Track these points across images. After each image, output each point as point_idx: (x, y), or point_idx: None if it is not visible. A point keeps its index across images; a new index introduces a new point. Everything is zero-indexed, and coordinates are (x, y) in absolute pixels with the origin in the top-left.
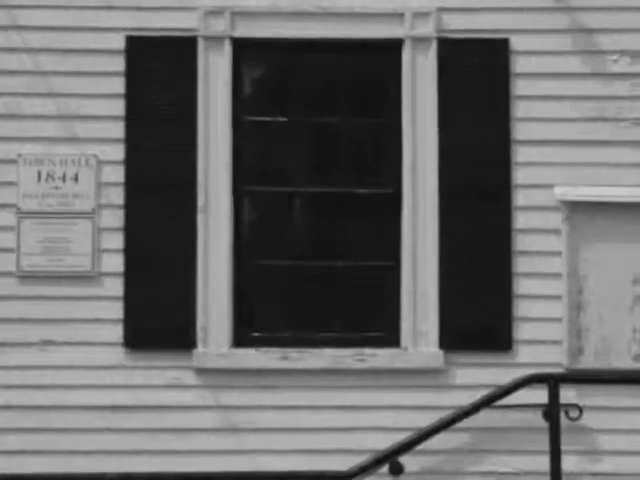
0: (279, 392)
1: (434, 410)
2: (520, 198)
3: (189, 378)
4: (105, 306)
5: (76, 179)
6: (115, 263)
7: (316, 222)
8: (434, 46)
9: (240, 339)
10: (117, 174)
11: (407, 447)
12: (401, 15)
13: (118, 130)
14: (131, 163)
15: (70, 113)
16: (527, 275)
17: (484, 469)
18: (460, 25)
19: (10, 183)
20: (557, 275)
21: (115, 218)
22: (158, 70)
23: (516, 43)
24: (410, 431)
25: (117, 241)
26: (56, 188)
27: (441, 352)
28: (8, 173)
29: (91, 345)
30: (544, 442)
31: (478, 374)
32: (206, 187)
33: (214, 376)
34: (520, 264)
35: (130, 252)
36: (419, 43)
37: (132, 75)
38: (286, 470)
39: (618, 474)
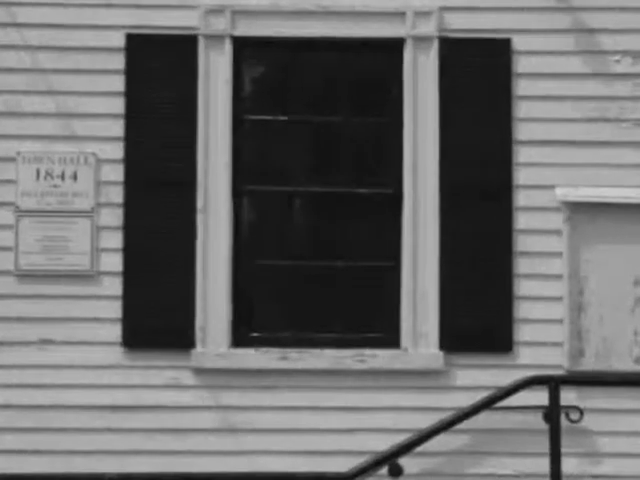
0: (278, 393)
1: (434, 411)
2: (521, 199)
3: (188, 378)
4: (104, 305)
5: (75, 177)
6: (114, 262)
7: (316, 222)
8: (436, 45)
9: (239, 339)
10: (116, 173)
11: (407, 448)
12: (403, 14)
13: (117, 128)
14: (130, 162)
15: (69, 111)
16: (528, 276)
17: (484, 471)
18: (462, 25)
19: (9, 181)
20: (558, 276)
21: (114, 217)
22: (158, 68)
23: (518, 43)
24: (410, 432)
25: (116, 240)
26: (55, 186)
27: (441, 353)
28: (7, 171)
29: (89, 345)
30: (544, 444)
31: (478, 375)
32: (206, 186)
33: (213, 376)
34: (521, 265)
35: (129, 251)
36: (421, 42)
37: (132, 73)
38: (285, 471)
39: (618, 477)
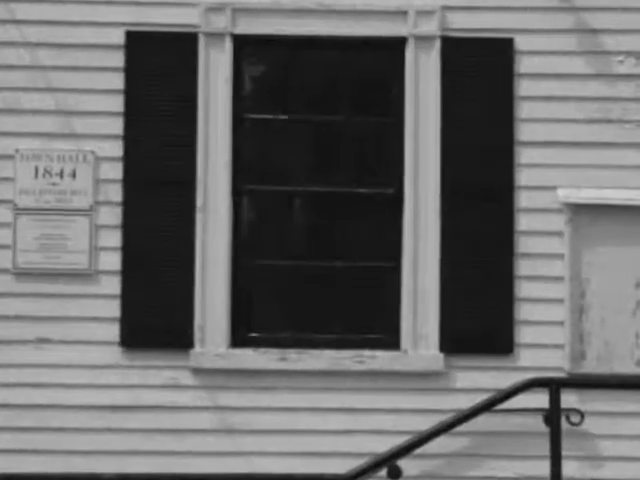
0: (277, 393)
1: (434, 413)
2: (523, 200)
3: (186, 378)
4: (102, 305)
5: (74, 175)
6: (112, 261)
7: (316, 222)
8: (438, 45)
9: (238, 339)
10: (115, 171)
11: (406, 450)
12: (404, 13)
13: (117, 126)
14: (130, 160)
15: (68, 108)
16: (529, 278)
17: (484, 474)
18: (464, 24)
19: (7, 179)
20: (559, 278)
21: (113, 216)
22: (158, 66)
23: (520, 43)
24: (409, 434)
25: (115, 239)
26: (53, 184)
27: (441, 355)
28: (5, 169)
29: (87, 344)
30: (545, 447)
31: (478, 378)
32: (205, 185)
33: (211, 376)
34: (522, 267)
35: (128, 250)
36: (422, 42)
37: (131, 71)
38: (283, 472)
39: None
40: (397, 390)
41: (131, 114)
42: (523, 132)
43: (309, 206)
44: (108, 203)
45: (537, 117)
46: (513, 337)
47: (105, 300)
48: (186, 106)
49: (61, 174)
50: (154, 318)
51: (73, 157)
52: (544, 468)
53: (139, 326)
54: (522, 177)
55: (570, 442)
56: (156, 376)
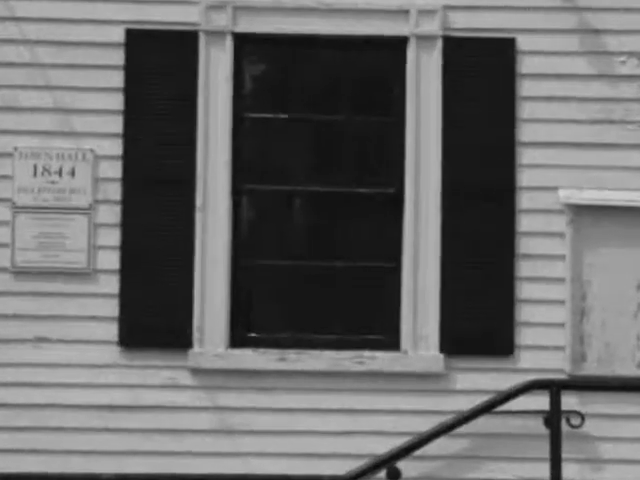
0: (276, 394)
1: (433, 415)
2: (524, 200)
3: (185, 378)
4: (100, 304)
5: (73, 174)
6: (111, 260)
7: (316, 222)
8: (439, 44)
9: (237, 339)
10: (114, 170)
11: (405, 452)
12: (406, 12)
13: (116, 125)
14: (129, 159)
15: (67, 106)
16: (530, 279)
17: (483, 476)
18: (466, 23)
19: (5, 177)
20: (560, 280)
21: (112, 214)
22: (158, 64)
23: (522, 43)
24: (409, 436)
25: (113, 238)
26: (52, 183)
27: (441, 356)
28: (3, 166)
29: (85, 343)
30: (545, 449)
31: (479, 379)
32: (205, 185)
33: (210, 377)
34: (523, 268)
35: (126, 249)
36: (424, 41)
37: (131, 69)
38: (282, 473)
39: None
40: (397, 391)
41: (131, 112)
42: (525, 132)
43: (309, 206)
44: (107, 202)
45: (539, 117)
46: (513, 338)
47: (104, 299)
48: (186, 105)
49: (60, 172)
50: (153, 318)
51: (72, 155)
52: (544, 471)
53: (138, 326)
54: (523, 178)
55: (570, 444)
56: (155, 376)
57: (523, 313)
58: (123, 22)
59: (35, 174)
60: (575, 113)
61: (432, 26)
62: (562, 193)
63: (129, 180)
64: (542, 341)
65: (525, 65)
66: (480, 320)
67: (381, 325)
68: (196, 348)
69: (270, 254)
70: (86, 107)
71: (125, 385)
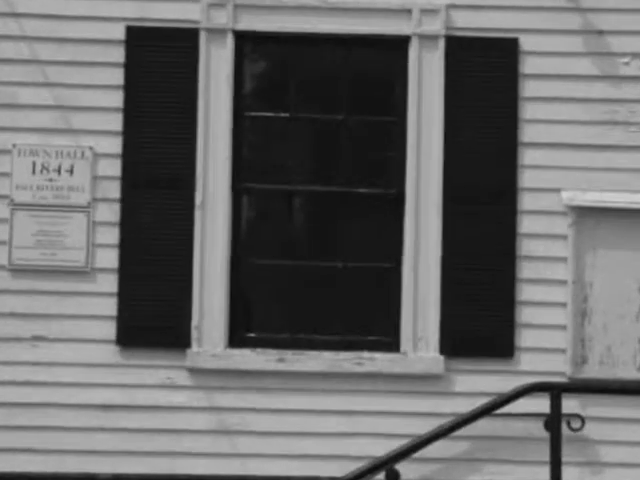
0: (274, 395)
1: (433, 417)
2: (526, 202)
3: (182, 378)
4: (98, 302)
5: (71, 172)
6: (109, 259)
7: (316, 222)
8: (442, 44)
9: (236, 339)
10: (114, 168)
11: (404, 454)
12: (409, 11)
13: (116, 122)
14: (128, 157)
15: (67, 104)
16: (531, 281)
17: (483, 478)
18: (469, 23)
19: (4, 174)
20: (562, 282)
21: (111, 212)
22: (158, 62)
23: (525, 43)
24: (408, 438)
25: (112, 236)
26: (51, 180)
27: (441, 358)
28: (2, 164)
29: (83, 342)
30: (545, 452)
31: (479, 381)
32: (204, 183)
33: (208, 377)
34: (524, 269)
35: (125, 248)
36: (426, 40)
37: (131, 67)
38: (279, 475)
39: None
40: (396, 393)
41: (130, 110)
42: (527, 133)
43: (309, 205)
44: (106, 200)
45: (541, 118)
46: (514, 341)
47: (102, 298)
48: (186, 103)
49: (59, 170)
50: (151, 317)
51: (71, 153)
52: (544, 474)
53: (136, 325)
54: (525, 179)
55: (570, 447)
56: (152, 376)
57: (524, 315)
58: (124, 19)
59: (34, 171)
60: (578, 114)
61: (435, 25)
62: (565, 195)
63: (128, 178)
64: (543, 343)
65: (528, 65)
66: (481, 322)
67: (381, 326)
68: (194, 348)
69: (270, 254)
70: (86, 104)
71: (122, 384)
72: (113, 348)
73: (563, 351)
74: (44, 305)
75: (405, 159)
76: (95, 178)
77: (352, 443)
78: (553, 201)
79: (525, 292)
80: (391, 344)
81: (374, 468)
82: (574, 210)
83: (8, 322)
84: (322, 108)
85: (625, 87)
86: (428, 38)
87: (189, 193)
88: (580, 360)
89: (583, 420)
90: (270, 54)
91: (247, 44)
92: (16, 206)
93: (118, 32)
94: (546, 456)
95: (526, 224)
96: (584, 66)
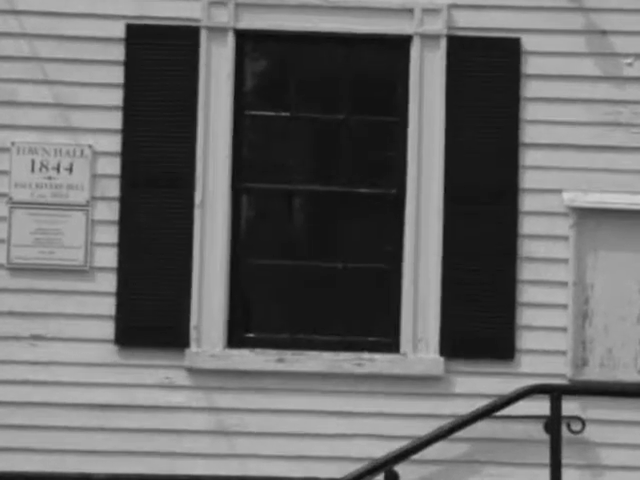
0: (273, 395)
1: (433, 418)
2: (527, 203)
3: (181, 378)
4: (97, 302)
5: (70, 170)
6: (108, 257)
7: (316, 222)
8: (443, 44)
9: (235, 339)
10: (113, 166)
11: (404, 456)
12: (410, 11)
13: (115, 121)
14: (128, 155)
15: (66, 102)
16: (532, 282)
17: None
18: (471, 23)
19: (2, 172)
20: (563, 283)
21: (110, 211)
22: (158, 60)
23: (528, 43)
24: (407, 439)
25: (111, 235)
26: (50, 178)
27: (441, 359)
28: (1, 161)
29: (82, 341)
30: (545, 454)
31: (479, 383)
32: (204, 182)
33: (207, 377)
34: (525, 271)
35: (124, 247)
36: (428, 40)
37: (131, 65)
38: (278, 476)
39: None
40: (396, 394)
41: (130, 108)
42: (529, 134)
43: (309, 205)
44: (105, 198)
45: (543, 119)
46: (515, 342)
47: (100, 297)
48: (186, 102)
49: (58, 168)
50: (150, 316)
51: (70, 151)
52: (544, 476)
53: (135, 324)
54: (527, 180)
55: (571, 450)
56: (151, 375)
57: (525, 316)
58: (124, 17)
59: (33, 169)
60: (581, 115)
61: (436, 25)
62: (566, 196)
63: (128, 177)
64: (543, 345)
65: (530, 66)
66: (481, 323)
67: (381, 327)
68: (193, 348)
69: (269, 253)
70: (85, 103)
71: (121, 384)
72: (112, 348)
73: (564, 353)
74: (43, 304)
75: (406, 159)
76: (94, 176)
77: (351, 444)
78: (554, 202)
79: (526, 293)
80: (391, 345)
81: (373, 469)
82: (575, 211)
83: (6, 321)
84: (323, 107)
85: (628, 88)
86: (430, 38)
87: (189, 192)
88: (581, 362)
89: (583, 422)
90: (271, 53)
91: (248, 43)
92: (15, 204)
93: (118, 30)
94: (546, 458)
95: (527, 225)
96: (587, 67)
